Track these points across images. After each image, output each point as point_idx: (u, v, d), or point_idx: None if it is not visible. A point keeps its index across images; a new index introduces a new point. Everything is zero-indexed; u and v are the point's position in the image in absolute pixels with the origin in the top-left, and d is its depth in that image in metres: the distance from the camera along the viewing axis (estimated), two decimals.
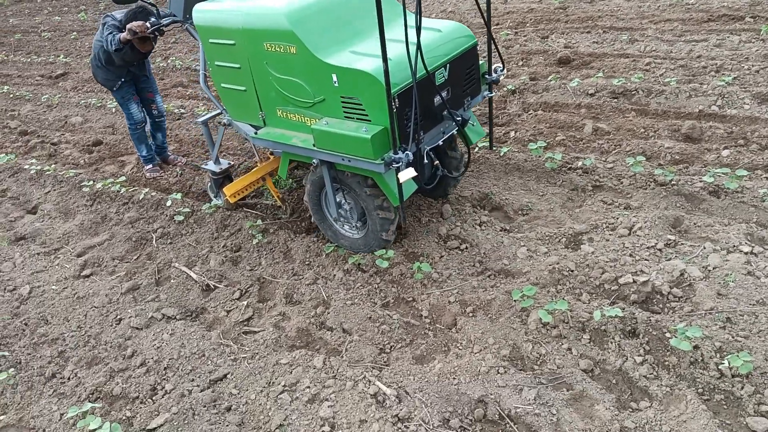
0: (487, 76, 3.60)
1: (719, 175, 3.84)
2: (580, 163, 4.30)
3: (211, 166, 4.41)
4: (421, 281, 3.37)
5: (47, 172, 5.54)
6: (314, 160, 3.32)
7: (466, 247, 3.63)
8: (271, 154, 4.30)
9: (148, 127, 5.38)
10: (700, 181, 3.85)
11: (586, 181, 4.15)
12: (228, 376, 2.98)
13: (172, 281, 3.80)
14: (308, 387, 2.80)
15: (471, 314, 3.12)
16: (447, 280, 3.37)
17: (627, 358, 2.67)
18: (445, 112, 3.31)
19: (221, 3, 3.58)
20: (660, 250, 3.30)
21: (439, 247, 3.65)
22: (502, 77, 3.57)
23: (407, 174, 2.91)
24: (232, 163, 4.55)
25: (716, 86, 4.97)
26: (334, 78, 3.04)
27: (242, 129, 3.90)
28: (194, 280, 3.75)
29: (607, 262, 3.26)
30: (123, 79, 4.93)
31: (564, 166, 4.35)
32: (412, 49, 2.76)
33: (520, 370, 2.75)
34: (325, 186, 3.52)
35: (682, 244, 3.31)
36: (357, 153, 3.01)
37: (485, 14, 3.32)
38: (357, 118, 3.08)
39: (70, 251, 4.36)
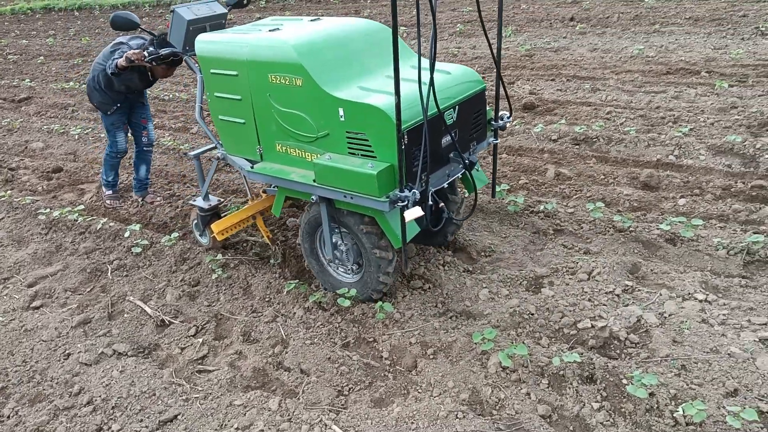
0: (493, 122, 3.56)
1: (675, 224, 3.94)
2: (542, 207, 4.37)
3: (199, 202, 4.23)
4: (382, 321, 3.34)
5: (2, 198, 5.37)
6: (313, 197, 3.23)
7: (429, 288, 3.62)
8: (264, 191, 4.14)
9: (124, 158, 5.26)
10: (657, 229, 3.94)
11: (547, 224, 4.21)
12: (178, 417, 2.87)
13: (125, 315, 3.68)
14: (262, 430, 2.71)
15: (432, 356, 3.09)
16: (409, 321, 3.34)
17: (584, 405, 2.67)
18: (452, 154, 3.24)
19: (225, 34, 3.54)
20: (618, 295, 3.35)
21: (402, 286, 3.64)
22: (508, 124, 3.51)
23: (413, 213, 2.83)
24: (222, 200, 4.35)
25: (674, 137, 5.15)
26: (341, 112, 2.99)
27: (237, 163, 3.77)
28: (149, 315, 3.64)
29: (566, 306, 3.29)
30: (118, 105, 4.79)
31: (527, 209, 4.42)
32: (424, 88, 2.70)
33: (479, 414, 2.72)
34: (320, 226, 3.42)
35: (639, 290, 3.36)
36: (360, 190, 2.93)
37: (496, 59, 3.25)
38: (362, 155, 3.01)
39: (20, 281, 4.20)
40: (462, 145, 3.32)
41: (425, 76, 2.68)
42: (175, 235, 4.38)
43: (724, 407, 2.53)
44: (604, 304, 3.30)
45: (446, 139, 3.18)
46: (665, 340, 2.97)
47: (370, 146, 2.97)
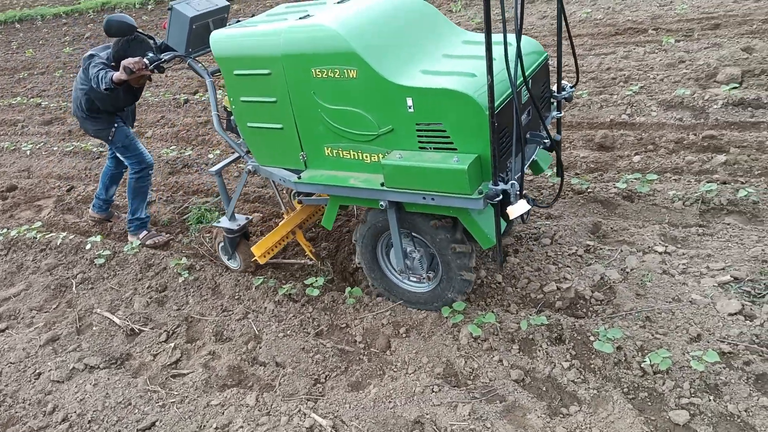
0: (556, 93, 3.22)
1: (632, 181, 4.02)
2: None
3: (225, 222, 3.75)
4: (353, 306, 3.35)
5: None
6: (381, 203, 2.83)
7: None
8: (299, 202, 3.66)
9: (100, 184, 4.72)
10: (615, 187, 4.02)
11: None
12: (156, 423, 2.85)
13: (94, 328, 3.63)
14: (241, 427, 2.71)
15: (404, 335, 3.11)
16: (379, 303, 3.36)
17: (555, 365, 2.72)
18: (529, 134, 2.89)
19: (246, 27, 3.07)
20: (581, 256, 3.41)
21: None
22: (572, 94, 3.21)
23: (520, 208, 2.48)
24: (250, 217, 3.87)
25: (625, 96, 5.23)
26: (409, 102, 2.61)
27: (275, 175, 3.27)
28: (118, 326, 3.59)
29: (532, 272, 3.34)
30: (116, 125, 4.20)
31: None
32: (511, 62, 2.32)
33: (454, 386, 2.76)
34: (382, 236, 3.13)
35: (601, 249, 3.43)
36: (446, 188, 2.56)
37: (564, 24, 2.89)
38: (436, 149, 2.65)
39: None
40: (534, 122, 2.98)
41: (498, 51, 2.39)
42: (137, 243, 4.31)
43: (688, 353, 2.61)
44: (568, 266, 3.36)
45: (524, 117, 2.84)
46: (629, 295, 3.04)
47: (447, 137, 2.60)
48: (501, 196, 2.50)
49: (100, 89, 3.65)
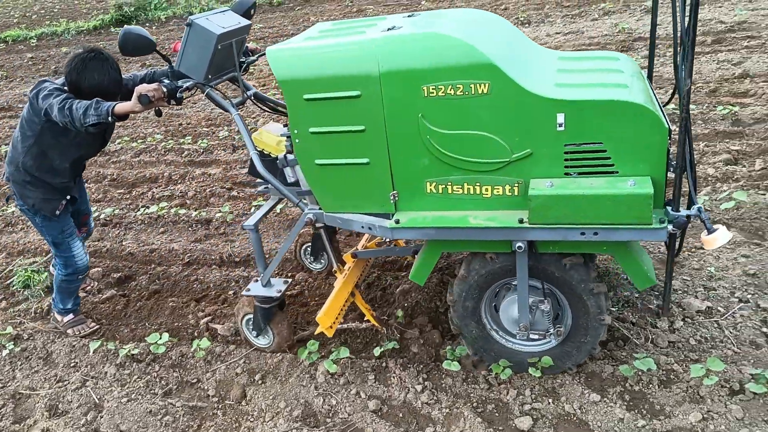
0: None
1: None
2: None
3: (258, 290, 3.02)
4: (203, 359, 3.19)
5: None
6: (518, 245, 2.39)
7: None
8: (353, 256, 3.13)
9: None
10: None
11: None
12: None
13: None
14: None
15: (260, 381, 3.01)
16: (232, 352, 3.23)
17: (409, 390, 2.78)
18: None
19: (313, 39, 2.58)
20: None
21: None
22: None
23: (722, 236, 2.16)
24: (289, 280, 3.14)
25: None
26: (560, 119, 2.24)
27: (354, 223, 2.69)
28: None
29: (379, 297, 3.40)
30: (68, 198, 3.30)
31: None
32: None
33: (314, 427, 2.71)
34: (488, 290, 2.66)
35: None
36: (618, 218, 2.19)
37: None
38: (588, 173, 2.29)
39: None
40: None
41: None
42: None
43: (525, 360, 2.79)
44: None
45: None
46: None
47: (607, 159, 2.25)
48: (698, 219, 2.22)
49: (82, 124, 2.72)
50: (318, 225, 2.80)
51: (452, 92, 2.29)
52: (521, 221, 2.32)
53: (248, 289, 3.04)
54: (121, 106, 2.70)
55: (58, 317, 3.62)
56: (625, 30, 7.37)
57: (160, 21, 13.35)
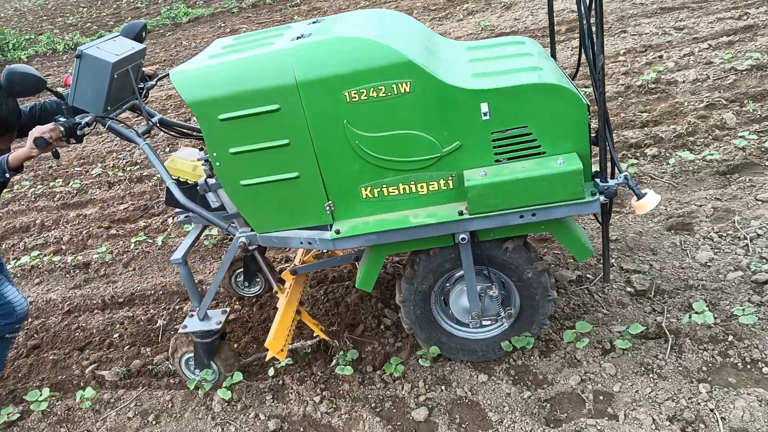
0: None
1: None
2: None
3: (196, 324, 2.87)
4: (91, 408, 3.02)
5: None
6: (461, 236, 2.42)
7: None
8: (293, 272, 3.05)
9: None
10: None
11: None
12: None
13: None
14: None
15: (155, 422, 2.89)
16: (122, 396, 3.08)
17: (308, 403, 2.77)
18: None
19: (219, 56, 2.46)
20: None
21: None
22: None
23: (652, 200, 2.27)
24: (227, 310, 2.97)
25: None
26: (484, 109, 2.27)
27: (292, 240, 2.60)
28: None
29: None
30: None
31: (224, 239, 4.42)
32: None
33: None
34: (436, 285, 2.67)
35: None
36: (554, 197, 2.27)
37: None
38: (515, 157, 2.35)
39: None
40: None
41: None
42: None
43: (415, 353, 2.86)
44: None
45: None
46: None
47: (533, 141, 2.32)
48: (612, 192, 2.31)
49: None
50: (252, 247, 2.71)
51: (375, 94, 2.28)
52: (461, 213, 2.36)
53: (185, 326, 2.88)
54: (15, 156, 2.50)
55: None
56: (488, 27, 7.75)
57: (22, 62, 12.52)
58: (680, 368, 2.52)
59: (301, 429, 2.69)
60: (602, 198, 2.30)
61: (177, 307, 3.75)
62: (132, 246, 4.56)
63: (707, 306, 2.74)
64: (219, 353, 2.93)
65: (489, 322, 2.73)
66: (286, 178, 2.46)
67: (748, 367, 2.48)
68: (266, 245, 2.72)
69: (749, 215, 3.37)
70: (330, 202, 2.49)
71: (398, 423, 2.59)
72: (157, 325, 3.64)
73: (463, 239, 2.43)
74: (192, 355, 2.94)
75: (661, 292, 2.99)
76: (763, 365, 2.46)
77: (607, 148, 2.31)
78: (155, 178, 5.68)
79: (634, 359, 2.62)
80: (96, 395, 3.06)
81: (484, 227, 2.40)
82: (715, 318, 2.68)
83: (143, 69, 2.97)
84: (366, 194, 2.47)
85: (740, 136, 4.07)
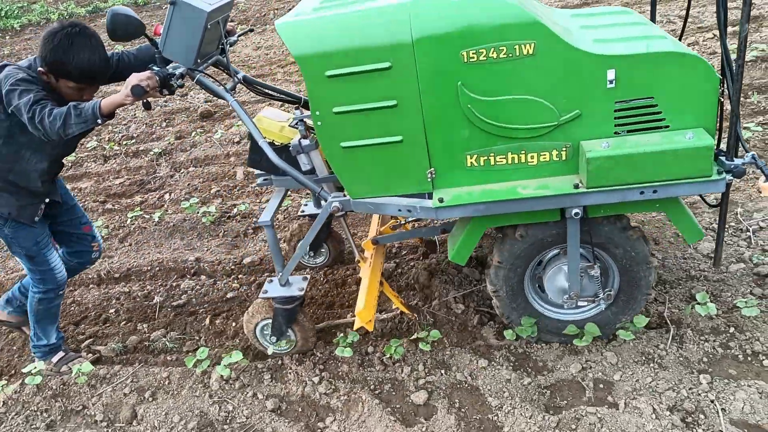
0: None
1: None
2: (236, 210, 4.38)
3: (277, 290, 2.77)
4: (87, 384, 3.00)
5: None
6: (574, 211, 2.29)
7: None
8: (375, 242, 2.95)
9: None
10: None
11: (245, 225, 4.24)
12: None
13: None
14: None
15: (151, 399, 2.87)
16: (118, 372, 3.06)
17: (306, 383, 2.76)
18: None
19: (326, 8, 2.30)
20: None
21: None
22: None
23: None
24: (308, 276, 2.86)
25: None
26: (610, 76, 2.13)
27: (389, 206, 2.48)
28: None
29: None
30: (46, 201, 2.83)
31: (222, 216, 4.38)
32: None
33: None
34: (533, 260, 2.55)
35: None
36: (679, 174, 2.15)
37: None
38: (638, 131, 2.21)
39: None
40: None
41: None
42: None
43: (417, 335, 2.86)
44: None
45: None
46: None
47: (658, 113, 2.18)
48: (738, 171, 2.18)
49: (66, 136, 2.37)
50: (340, 214, 2.59)
51: (495, 55, 2.14)
52: (576, 186, 2.24)
53: (265, 291, 2.77)
54: (109, 102, 2.35)
55: (43, 361, 3.08)
56: None
57: (15, 30, 12.29)
58: (681, 359, 2.53)
59: (299, 409, 2.68)
60: (728, 177, 2.18)
61: (174, 284, 3.72)
62: (128, 221, 4.51)
63: (709, 297, 2.74)
64: (298, 321, 2.83)
65: (587, 303, 2.64)
66: (388, 142, 2.33)
67: (749, 359, 2.48)
68: (359, 211, 2.63)
69: (752, 207, 3.37)
70: (432, 168, 2.35)
71: (397, 405, 2.58)
72: (154, 301, 3.62)
73: (576, 214, 2.29)
74: (269, 322, 2.84)
75: (663, 282, 2.99)
76: (764, 358, 2.46)
77: (737, 119, 2.19)
78: (151, 152, 5.61)
79: (636, 348, 2.61)
80: (92, 370, 3.03)
81: (600, 202, 2.27)
82: (717, 309, 2.68)
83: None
84: (471, 162, 2.33)
85: (744, 128, 4.05)
